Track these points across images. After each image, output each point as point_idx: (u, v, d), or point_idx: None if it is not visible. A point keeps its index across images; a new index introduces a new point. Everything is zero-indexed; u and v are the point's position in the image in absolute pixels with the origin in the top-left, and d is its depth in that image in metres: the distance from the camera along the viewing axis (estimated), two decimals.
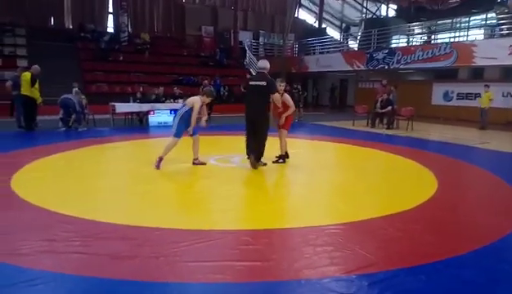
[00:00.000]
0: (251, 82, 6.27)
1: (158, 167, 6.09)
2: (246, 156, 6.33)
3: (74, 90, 11.28)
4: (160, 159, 6.12)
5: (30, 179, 5.52)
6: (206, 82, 14.35)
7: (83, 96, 11.51)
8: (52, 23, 21.26)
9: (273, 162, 6.70)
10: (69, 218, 3.93)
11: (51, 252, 3.18)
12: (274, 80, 6.23)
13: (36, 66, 10.44)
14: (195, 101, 6.22)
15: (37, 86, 10.24)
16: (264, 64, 6.29)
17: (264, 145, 6.28)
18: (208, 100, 6.46)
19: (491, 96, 12.92)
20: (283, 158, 6.80)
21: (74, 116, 10.80)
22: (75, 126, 10.83)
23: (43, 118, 11.16)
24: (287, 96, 6.71)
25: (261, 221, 4.14)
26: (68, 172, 6.07)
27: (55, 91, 11.90)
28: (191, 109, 6.18)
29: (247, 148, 6.35)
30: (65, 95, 10.80)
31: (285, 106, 6.55)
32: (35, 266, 2.92)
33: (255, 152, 6.22)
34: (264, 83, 6.00)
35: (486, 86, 13.09)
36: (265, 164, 6.45)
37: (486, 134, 11.63)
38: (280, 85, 6.42)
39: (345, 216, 4.23)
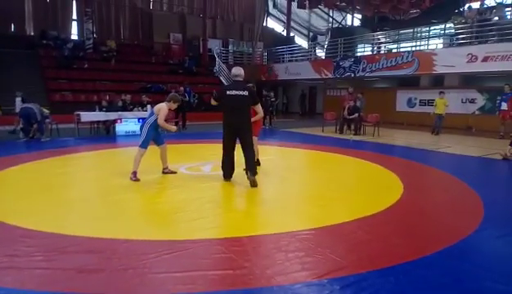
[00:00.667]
0: (229, 92, 5.75)
1: (136, 179, 5.97)
2: (223, 179, 6.02)
3: (17, 99, 10.87)
4: (135, 173, 6.01)
5: None
6: (182, 89, 14.16)
7: (46, 110, 11.09)
8: (12, 29, 20.46)
9: (244, 169, 6.69)
10: (32, 232, 3.76)
11: (12, 268, 3.03)
12: (253, 89, 6.07)
13: None
14: (162, 107, 6.16)
15: None
16: (238, 71, 5.93)
17: (254, 158, 6.04)
18: (174, 105, 6.40)
19: (447, 103, 13.09)
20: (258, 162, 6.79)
21: (35, 126, 10.40)
22: (38, 136, 10.42)
23: (4, 129, 10.67)
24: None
25: (232, 229, 4.11)
26: (30, 184, 5.81)
27: (15, 101, 11.42)
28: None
29: (224, 169, 6.00)
30: (26, 105, 10.39)
31: (253, 112, 6.57)
32: None
33: (252, 168, 5.84)
34: (246, 93, 5.71)
35: (441, 92, 13.31)
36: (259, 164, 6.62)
37: (447, 139, 12.11)
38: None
39: (316, 220, 4.28)
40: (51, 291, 2.72)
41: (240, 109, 5.72)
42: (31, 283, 2.81)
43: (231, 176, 6.02)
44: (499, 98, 12.72)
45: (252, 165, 5.85)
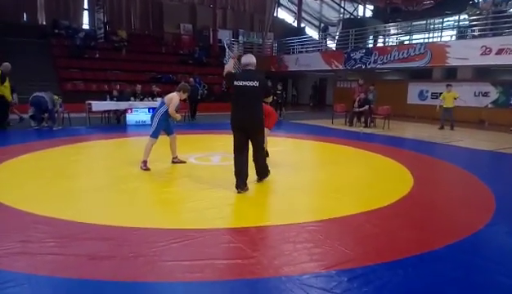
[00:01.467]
0: (238, 83, 4.97)
1: (146, 168, 6.03)
2: (236, 190, 4.97)
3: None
4: (145, 162, 6.07)
5: (2, 179, 5.35)
6: (191, 80, 14.17)
7: (56, 97, 11.20)
8: (25, 19, 20.60)
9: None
10: (45, 219, 3.83)
11: (25, 254, 3.09)
12: (265, 79, 5.52)
13: (6, 64, 10.09)
14: (173, 97, 6.19)
15: (7, 84, 9.90)
16: (249, 59, 5.16)
17: (264, 158, 5.51)
18: (184, 95, 6.45)
19: (456, 95, 12.52)
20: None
21: (46, 114, 10.51)
22: (50, 124, 10.54)
23: (15, 117, 10.82)
24: None
25: (241, 219, 4.14)
26: (42, 172, 5.89)
27: (27, 89, 11.55)
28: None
29: (237, 174, 5.02)
30: (37, 93, 10.48)
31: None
32: (8, 268, 2.83)
33: (261, 173, 5.39)
34: (256, 84, 4.91)
35: (448, 85, 12.69)
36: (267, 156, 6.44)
37: (459, 132, 11.93)
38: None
39: (325, 212, 4.27)
40: (64, 277, 2.77)
41: (249, 102, 4.95)
42: (43, 269, 2.86)
43: (245, 185, 5.01)
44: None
45: (261, 170, 5.37)
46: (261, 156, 5.30)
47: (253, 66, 5.14)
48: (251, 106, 4.96)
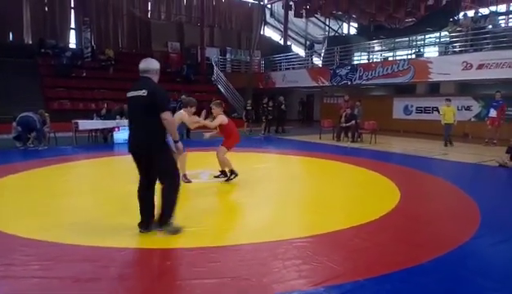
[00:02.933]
0: (129, 94, 3.97)
1: (188, 180, 6.22)
2: (138, 229, 4.01)
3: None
4: (184, 175, 6.18)
5: None
6: (184, 96, 14.15)
7: (46, 114, 11.14)
8: (11, 38, 20.51)
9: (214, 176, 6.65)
10: (29, 241, 3.76)
11: (9, 277, 3.02)
12: (162, 88, 4.03)
13: None
14: (182, 116, 6.06)
15: None
16: (147, 64, 4.04)
17: (173, 200, 3.98)
18: (192, 109, 6.28)
19: (455, 111, 12.22)
20: (224, 173, 6.61)
21: (33, 134, 10.39)
22: (35, 144, 10.41)
23: (1, 137, 10.67)
24: (222, 117, 6.38)
25: (229, 237, 4.11)
26: (27, 193, 5.80)
27: (13, 109, 11.42)
28: (183, 124, 6.21)
29: (141, 213, 4.05)
30: (25, 113, 10.38)
31: (224, 130, 6.41)
32: None
33: (162, 217, 3.96)
34: (144, 93, 3.80)
35: (447, 100, 12.37)
36: (236, 175, 6.40)
37: (443, 146, 12.12)
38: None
39: (313, 228, 4.29)
40: None
41: (136, 117, 3.93)
42: (28, 293, 2.80)
43: (147, 227, 3.99)
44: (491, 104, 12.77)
45: (164, 210, 3.97)
46: (167, 190, 3.96)
47: (151, 73, 4.04)
48: (138, 122, 3.92)
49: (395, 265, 3.36)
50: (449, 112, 12.22)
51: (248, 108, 16.67)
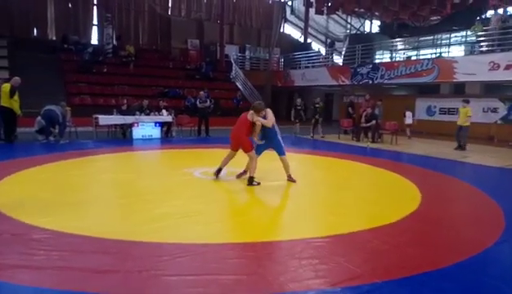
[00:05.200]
0: None
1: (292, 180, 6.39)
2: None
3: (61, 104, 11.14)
4: (244, 172, 6.39)
5: (10, 192, 5.37)
6: (202, 93, 14.11)
7: (68, 108, 11.37)
8: (35, 34, 21.03)
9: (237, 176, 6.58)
10: (50, 232, 3.82)
11: (30, 267, 3.08)
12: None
13: (16, 78, 10.27)
14: (260, 122, 6.17)
15: (16, 98, 10.05)
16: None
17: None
18: (261, 113, 6.22)
19: (470, 112, 11.32)
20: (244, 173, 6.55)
21: (56, 128, 10.61)
22: (57, 138, 10.63)
23: (24, 131, 10.94)
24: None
25: (247, 234, 4.10)
26: (49, 185, 5.92)
27: (36, 103, 11.70)
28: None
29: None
30: (48, 107, 10.61)
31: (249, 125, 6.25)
32: (13, 281, 2.83)
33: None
34: None
35: (464, 101, 11.70)
36: (258, 183, 6.13)
37: (468, 148, 11.67)
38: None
39: (331, 228, 4.23)
40: (67, 290, 2.75)
41: None
42: (48, 282, 2.85)
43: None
44: None
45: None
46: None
47: None
48: None
49: (414, 268, 3.28)
50: (462, 113, 11.43)
51: (298, 107, 15.29)
